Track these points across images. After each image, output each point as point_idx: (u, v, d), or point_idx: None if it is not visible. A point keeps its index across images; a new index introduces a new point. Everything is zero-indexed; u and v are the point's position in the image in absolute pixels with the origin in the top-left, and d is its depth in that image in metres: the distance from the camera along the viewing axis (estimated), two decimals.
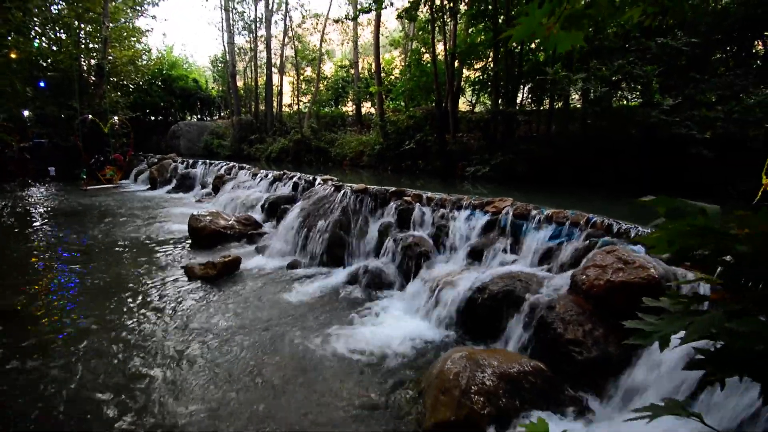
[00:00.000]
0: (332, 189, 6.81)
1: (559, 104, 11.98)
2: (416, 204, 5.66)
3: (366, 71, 20.71)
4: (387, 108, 16.22)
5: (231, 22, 20.02)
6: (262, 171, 10.22)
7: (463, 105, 16.34)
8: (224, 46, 20.78)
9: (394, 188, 6.11)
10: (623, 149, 8.27)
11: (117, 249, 6.42)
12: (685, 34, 8.01)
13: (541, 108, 12.22)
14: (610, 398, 2.65)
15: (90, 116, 15.79)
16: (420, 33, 14.42)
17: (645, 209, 6.19)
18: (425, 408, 2.57)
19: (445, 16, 12.15)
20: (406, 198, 5.82)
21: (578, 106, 11.73)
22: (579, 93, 11.03)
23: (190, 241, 6.91)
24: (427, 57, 14.42)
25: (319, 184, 7.53)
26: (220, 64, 24.08)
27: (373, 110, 18.99)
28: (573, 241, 4.03)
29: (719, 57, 8.76)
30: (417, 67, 13.74)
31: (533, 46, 12.55)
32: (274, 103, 20.39)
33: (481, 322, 3.67)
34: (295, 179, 8.71)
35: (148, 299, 4.45)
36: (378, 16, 13.94)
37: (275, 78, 20.57)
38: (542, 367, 2.70)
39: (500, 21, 11.16)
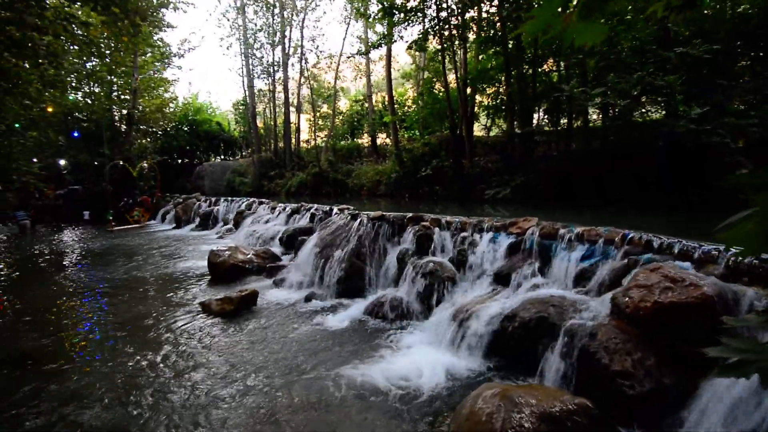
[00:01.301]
0: (348, 218, 6.74)
1: (578, 123, 11.80)
2: (435, 228, 5.48)
3: (380, 104, 21.31)
4: (402, 137, 16.44)
5: (251, 67, 21.26)
6: (280, 205, 10.36)
7: (478, 130, 16.39)
8: (245, 89, 21.98)
9: (411, 214, 5.97)
10: (646, 162, 7.92)
11: (137, 287, 6.48)
12: (704, 43, 7.81)
13: (559, 128, 12.05)
14: None
15: (120, 162, 16.75)
16: (431, 62, 14.81)
17: (687, 223, 5.76)
18: None
19: (455, 45, 12.45)
20: (424, 223, 5.65)
21: (598, 123, 11.51)
22: (599, 110, 10.85)
23: (209, 277, 6.91)
24: (439, 86, 14.70)
25: (335, 214, 7.50)
26: (241, 107, 25.40)
27: (388, 141, 19.33)
28: (609, 260, 3.72)
29: (743, 64, 8.47)
30: (429, 95, 13.98)
31: (546, 67, 12.62)
32: (292, 140, 21.11)
33: (512, 353, 3.35)
34: (312, 210, 8.74)
35: (164, 338, 4.36)
36: (389, 49, 14.47)
37: (293, 116, 21.43)
38: (588, 404, 2.37)
39: (509, 46, 11.30)
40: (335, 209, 7.80)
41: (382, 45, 11.50)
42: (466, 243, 5.05)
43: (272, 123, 22.45)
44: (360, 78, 20.33)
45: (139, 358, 3.87)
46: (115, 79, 18.86)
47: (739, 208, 0.66)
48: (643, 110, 9.64)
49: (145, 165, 18.23)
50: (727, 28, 7.84)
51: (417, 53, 16.59)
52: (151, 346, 4.16)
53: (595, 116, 12.16)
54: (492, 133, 16.55)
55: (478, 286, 4.49)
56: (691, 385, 2.37)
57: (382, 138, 19.89)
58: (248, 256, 7.28)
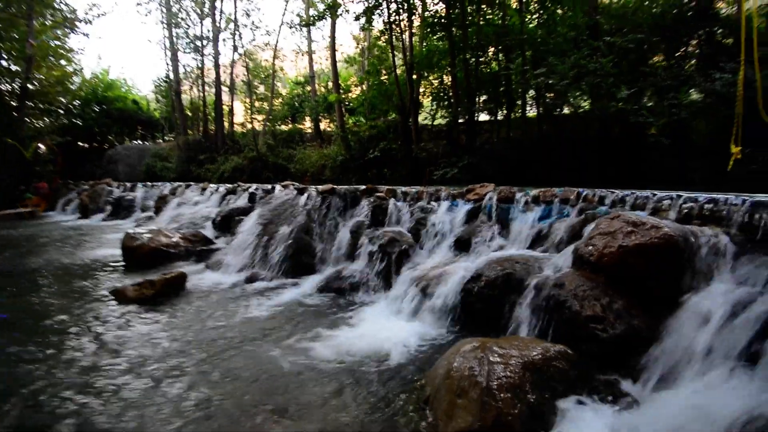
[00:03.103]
0: (295, 193, 6.23)
1: (517, 114, 12.41)
2: (391, 200, 5.24)
3: (323, 88, 20.55)
4: (347, 121, 15.97)
5: (174, 38, 19.15)
6: (212, 185, 9.39)
7: (422, 119, 16.55)
8: (167, 64, 19.78)
9: (364, 186, 5.67)
10: (580, 147, 8.54)
11: (27, 278, 5.33)
12: (629, 34, 8.56)
13: (498, 118, 12.60)
14: (644, 377, 2.27)
15: (9, 141, 14.03)
16: (376, 41, 14.52)
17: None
18: (437, 418, 2.04)
19: (402, 25, 12.30)
20: (378, 194, 5.38)
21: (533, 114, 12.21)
22: (533, 101, 11.48)
23: (125, 265, 5.94)
24: (385, 73, 14.47)
25: (279, 190, 6.91)
26: (163, 84, 22.82)
27: (331, 126, 18.72)
28: (566, 218, 3.78)
29: (661, 58, 9.49)
30: (376, 75, 13.69)
31: (487, 56, 13.04)
32: (225, 122, 19.49)
33: (480, 314, 3.23)
34: (251, 190, 8.01)
35: (63, 330, 3.54)
36: (333, 25, 13.83)
37: (226, 97, 19.79)
38: (567, 350, 2.29)
39: (455, 32, 11.42)
40: (278, 186, 7.20)
41: (326, 17, 10.92)
42: (423, 212, 4.88)
43: (201, 103, 20.49)
44: (302, 57, 19.35)
45: (26, 356, 3.07)
46: (1, 45, 15.70)
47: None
48: (572, 100, 10.42)
49: (42, 146, 15.52)
50: (649, 22, 8.66)
51: (362, 34, 16.20)
52: (44, 341, 3.34)
53: (530, 109, 12.83)
54: (437, 122, 16.83)
55: (439, 254, 4.34)
56: (659, 324, 2.39)
57: (325, 123, 19.20)
58: (174, 240, 6.39)
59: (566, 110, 10.70)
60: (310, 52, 18.64)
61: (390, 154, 11.70)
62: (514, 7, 11.58)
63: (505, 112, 12.09)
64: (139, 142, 24.40)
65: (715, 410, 1.70)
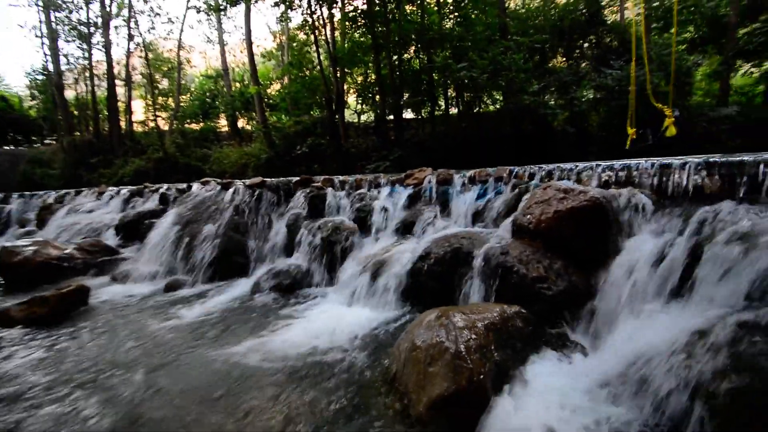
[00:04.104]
0: (218, 189, 5.69)
1: (439, 112, 13.07)
2: (328, 189, 5.07)
3: (238, 83, 19.30)
4: (268, 117, 15.20)
5: (54, 23, 16.34)
6: (111, 188, 8.16)
7: (348, 115, 16.50)
8: (45, 54, 16.79)
9: (298, 178, 5.40)
10: (500, 138, 9.30)
11: None
12: (534, 35, 9.56)
13: (423, 116, 13.15)
14: (589, 326, 2.48)
15: None
16: (295, 37, 14.08)
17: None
18: (407, 392, 1.97)
19: (323, 18, 12.10)
20: (315, 185, 5.17)
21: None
22: (455, 99, 12.22)
23: (2, 284, 4.84)
24: (309, 61, 14.09)
25: (198, 187, 6.25)
26: (40, 77, 19.29)
27: (250, 125, 17.67)
28: (501, 194, 4.01)
29: (560, 58, 10.78)
30: (299, 67, 13.24)
31: (408, 55, 13.49)
32: (122, 121, 17.21)
33: (432, 290, 3.25)
34: (162, 191, 7.13)
35: None
36: (248, 9, 12.95)
37: (121, 91, 17.47)
38: (521, 309, 2.41)
39: (378, 28, 11.59)
40: (196, 184, 6.51)
41: (240, 1, 10.24)
42: (364, 200, 4.80)
43: (90, 99, 17.80)
44: (213, 48, 17.93)
45: None
46: None
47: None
48: (487, 99, 11.33)
49: None
50: (550, 25, 9.76)
51: (279, 27, 15.55)
52: None
53: (452, 107, 13.61)
54: (363, 119, 16.91)
55: (385, 239, 4.30)
56: (596, 278, 2.64)
57: (243, 120, 18.05)
58: (67, 251, 5.39)
59: (484, 108, 11.59)
60: (222, 43, 17.37)
61: (319, 150, 11.42)
62: (433, 6, 12.16)
63: (429, 109, 12.63)
64: (12, 147, 20.29)
65: (655, 340, 1.90)
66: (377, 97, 13.62)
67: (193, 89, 20.10)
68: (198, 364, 2.62)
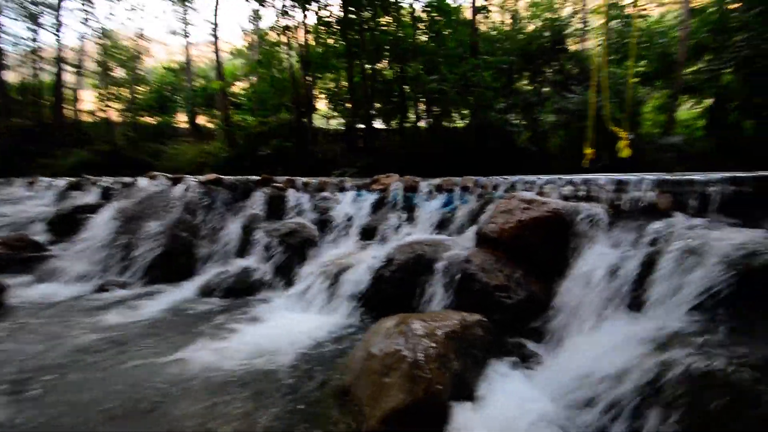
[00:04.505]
0: (168, 184, 5.31)
1: (408, 124, 13.26)
2: (290, 190, 4.88)
3: (201, 80, 18.56)
4: (232, 116, 14.68)
5: None
6: (45, 179, 7.43)
7: (318, 120, 16.34)
8: None
9: (257, 177, 5.16)
10: (467, 152, 9.55)
11: None
12: (502, 56, 9.98)
13: (392, 126, 13.30)
14: (546, 336, 2.48)
15: None
16: (264, 36, 13.80)
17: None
18: (362, 405, 1.82)
19: (297, 22, 11.96)
20: (276, 185, 4.95)
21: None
22: (425, 113, 12.47)
23: None
24: (279, 60, 13.82)
25: (145, 181, 5.81)
26: None
27: (213, 122, 16.99)
28: (467, 204, 4.02)
29: (526, 81, 11.32)
30: (269, 68, 12.94)
31: (380, 65, 13.62)
32: (69, 109, 15.95)
33: (393, 297, 3.14)
34: (104, 184, 6.56)
35: None
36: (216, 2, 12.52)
37: (71, 78, 16.23)
38: (481, 318, 2.35)
39: (352, 36, 11.62)
40: (142, 178, 6.06)
41: None
42: (328, 203, 4.65)
43: (35, 83, 16.37)
44: (177, 39, 17.17)
45: None
46: None
47: None
48: (453, 114, 11.66)
49: None
50: (517, 49, 10.24)
51: (250, 26, 15.20)
52: None
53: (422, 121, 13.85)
54: (332, 125, 16.79)
55: (346, 244, 4.18)
56: (554, 288, 2.66)
57: (204, 119, 17.32)
58: None
59: (452, 124, 11.89)
60: (186, 34, 16.70)
61: (284, 153, 11.13)
62: (408, 20, 12.41)
63: (399, 120, 12.77)
64: None
65: (609, 351, 1.90)
66: (348, 104, 13.60)
67: (152, 81, 19.06)
68: (125, 375, 2.32)
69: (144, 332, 3.01)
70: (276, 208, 4.71)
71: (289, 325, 3.04)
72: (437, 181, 4.40)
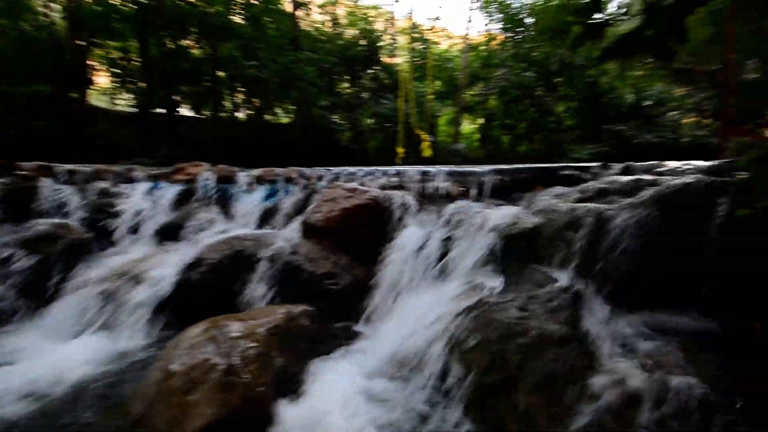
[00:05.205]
0: None
1: (224, 114, 12.12)
2: (43, 180, 3.62)
3: None
4: None
5: None
6: None
7: (97, 98, 13.04)
8: None
9: None
10: (292, 148, 9.46)
11: None
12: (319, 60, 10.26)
13: (204, 114, 11.95)
14: (370, 315, 2.62)
15: None
16: None
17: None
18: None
19: None
20: (22, 173, 3.60)
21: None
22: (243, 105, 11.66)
23: None
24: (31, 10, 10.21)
25: None
26: None
27: None
28: (291, 195, 3.90)
29: (346, 84, 11.99)
30: (12, 17, 9.40)
31: (191, 40, 11.92)
32: None
33: (205, 303, 2.68)
34: None
35: None
36: None
37: None
38: (307, 308, 2.29)
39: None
40: None
41: None
42: (108, 197, 3.67)
43: None
44: None
45: None
46: None
47: None
48: (277, 110, 11.43)
49: None
50: (339, 50, 10.73)
51: None
52: None
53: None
54: (121, 105, 13.68)
55: (138, 247, 3.38)
56: (375, 270, 2.84)
57: None
58: None
59: (276, 119, 11.53)
60: None
61: (40, 136, 8.34)
62: None
63: (212, 110, 11.52)
64: None
65: (422, 317, 2.13)
66: (142, 83, 11.34)
67: None
68: None
69: None
70: (21, 204, 3.40)
71: (55, 359, 2.24)
72: (258, 171, 4.11)
